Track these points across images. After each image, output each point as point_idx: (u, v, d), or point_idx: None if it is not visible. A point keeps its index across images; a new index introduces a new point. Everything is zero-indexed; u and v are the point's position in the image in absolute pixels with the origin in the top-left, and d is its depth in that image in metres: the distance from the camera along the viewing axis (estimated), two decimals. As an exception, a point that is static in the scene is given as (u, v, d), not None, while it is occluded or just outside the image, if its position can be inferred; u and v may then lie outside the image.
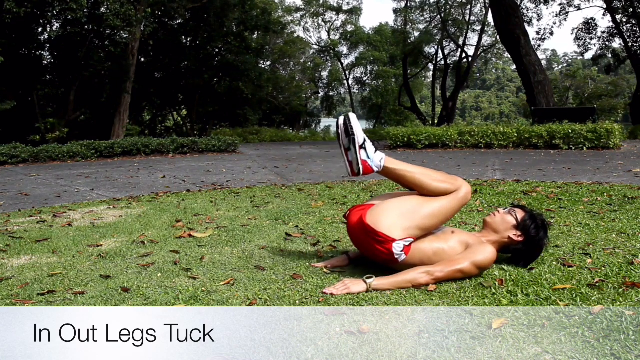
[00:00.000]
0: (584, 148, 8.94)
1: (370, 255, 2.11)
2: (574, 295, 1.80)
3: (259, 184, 5.64)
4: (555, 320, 1.60)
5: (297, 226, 3.21)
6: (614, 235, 2.67)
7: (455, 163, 7.36)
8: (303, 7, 30.09)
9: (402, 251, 2.00)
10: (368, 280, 1.93)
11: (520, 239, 2.15)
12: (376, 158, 2.09)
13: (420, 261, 2.05)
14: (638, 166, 6.25)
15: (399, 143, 10.39)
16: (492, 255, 2.04)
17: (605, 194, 3.99)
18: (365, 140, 2.08)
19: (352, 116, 2.10)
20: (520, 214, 2.19)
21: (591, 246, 2.47)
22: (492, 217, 2.22)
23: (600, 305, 1.70)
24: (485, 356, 1.39)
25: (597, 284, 1.91)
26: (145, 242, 2.87)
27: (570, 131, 9.12)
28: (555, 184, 4.84)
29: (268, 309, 1.78)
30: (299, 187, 5.09)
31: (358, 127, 2.08)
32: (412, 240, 2.02)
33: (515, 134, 9.64)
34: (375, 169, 2.09)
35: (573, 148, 9.03)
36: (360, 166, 2.07)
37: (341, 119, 2.11)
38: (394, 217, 2.01)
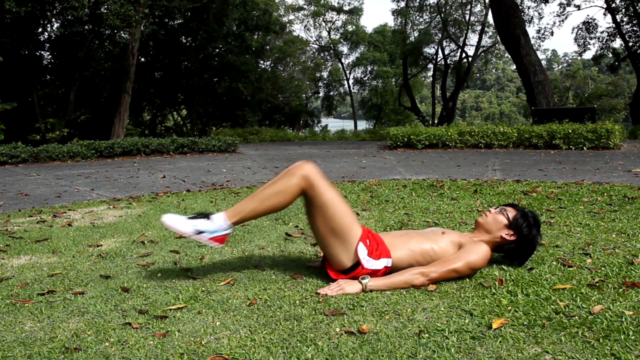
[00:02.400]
0: (584, 148, 8.94)
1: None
2: (574, 295, 1.80)
3: (259, 183, 5.64)
4: (555, 320, 1.60)
5: (297, 226, 3.22)
6: (614, 235, 2.67)
7: (455, 163, 7.36)
8: (305, 6, 30.11)
9: (377, 259, 2.00)
10: (363, 281, 1.93)
11: (512, 238, 2.14)
12: (219, 224, 1.99)
13: (410, 263, 2.04)
14: (638, 166, 6.25)
15: (399, 143, 10.39)
16: (486, 254, 2.04)
17: (605, 194, 3.99)
18: (194, 226, 1.97)
19: (165, 220, 1.99)
20: (511, 213, 2.17)
21: (591, 246, 2.47)
22: (484, 217, 2.20)
23: (600, 305, 1.70)
24: (485, 356, 1.39)
25: (597, 284, 1.91)
26: (145, 242, 2.87)
27: (570, 131, 9.12)
28: (555, 184, 4.84)
29: (268, 309, 1.78)
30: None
31: (177, 223, 1.98)
32: (361, 242, 1.99)
33: (515, 134, 9.64)
34: (228, 232, 2.02)
35: (573, 148, 9.03)
36: (214, 244, 2.01)
37: (164, 224, 2.01)
38: (337, 250, 1.99)
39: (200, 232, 1.98)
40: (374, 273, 2.00)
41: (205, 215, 2.01)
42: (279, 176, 2.04)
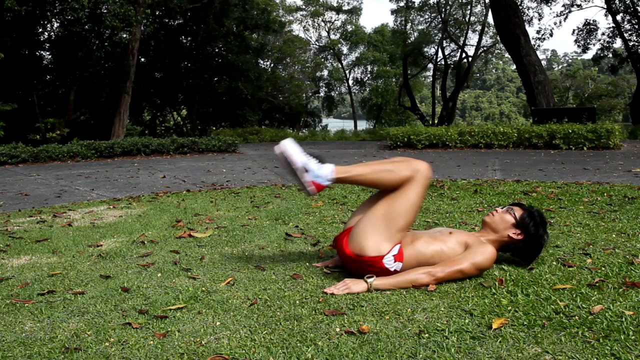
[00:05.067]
0: (584, 148, 8.94)
1: (367, 273, 2.06)
2: (574, 295, 1.80)
3: (259, 184, 5.64)
4: (555, 320, 1.60)
5: (297, 226, 3.22)
6: (614, 235, 2.67)
7: (455, 163, 7.36)
8: (303, 6, 30.10)
9: (394, 262, 2.00)
10: (369, 280, 1.93)
11: (520, 237, 2.15)
12: (324, 173, 2.02)
13: (418, 263, 2.04)
14: (638, 166, 6.25)
15: (398, 143, 10.39)
16: (492, 255, 2.04)
17: (605, 194, 3.99)
18: (305, 163, 2.01)
19: (285, 144, 2.02)
20: (518, 212, 2.18)
21: (591, 246, 2.47)
22: (491, 216, 2.21)
23: (600, 305, 1.70)
24: (485, 356, 1.39)
25: (597, 284, 1.91)
26: (145, 242, 2.87)
27: (570, 131, 9.12)
28: (555, 184, 4.84)
29: (268, 309, 1.78)
30: (299, 187, 5.08)
31: (294, 151, 2.01)
32: (399, 245, 2.02)
33: (515, 134, 9.64)
34: (328, 183, 2.05)
35: (573, 148, 9.03)
36: (311, 187, 2.03)
37: (277, 149, 2.04)
38: (373, 235, 1.99)
39: (307, 171, 2.01)
40: (383, 271, 2.00)
41: (320, 159, 2.06)
42: (396, 159, 2.10)
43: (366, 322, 1.63)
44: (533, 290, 1.88)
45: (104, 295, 1.97)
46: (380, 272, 2.00)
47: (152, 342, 1.54)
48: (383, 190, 2.09)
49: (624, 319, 1.57)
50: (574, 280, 1.97)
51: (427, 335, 1.52)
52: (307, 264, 2.33)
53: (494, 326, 1.56)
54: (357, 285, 1.93)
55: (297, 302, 1.84)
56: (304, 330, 1.58)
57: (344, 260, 2.11)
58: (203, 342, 1.53)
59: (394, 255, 2.00)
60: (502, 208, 2.24)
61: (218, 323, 1.67)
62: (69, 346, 1.52)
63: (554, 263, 2.22)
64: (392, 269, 2.01)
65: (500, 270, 2.13)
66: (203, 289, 2.01)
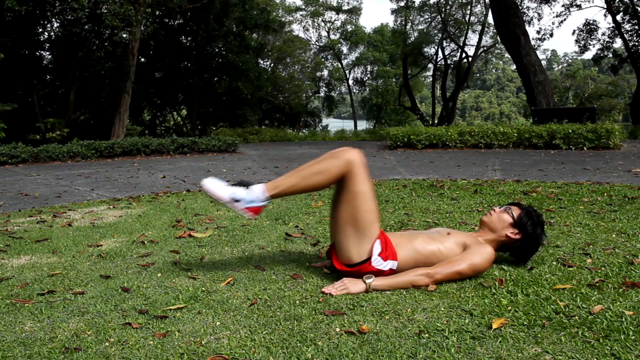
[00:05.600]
0: (584, 148, 8.94)
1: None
2: (574, 295, 1.80)
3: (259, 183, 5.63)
4: (555, 320, 1.60)
5: (297, 226, 3.22)
6: (614, 235, 2.67)
7: (455, 163, 7.36)
8: (303, 6, 30.10)
9: (385, 261, 2.00)
10: (367, 281, 1.93)
11: (517, 236, 2.15)
12: (255, 196, 2.00)
13: (415, 263, 2.04)
14: (638, 166, 6.24)
15: (399, 143, 10.39)
16: (490, 256, 2.04)
17: (605, 194, 3.99)
18: (231, 194, 1.99)
19: (205, 183, 2.01)
20: (516, 212, 2.18)
21: (591, 246, 2.47)
22: (489, 216, 2.21)
23: (600, 305, 1.70)
24: (485, 356, 1.39)
25: (597, 284, 1.91)
26: (145, 242, 2.87)
27: (570, 131, 9.12)
28: (555, 184, 4.84)
29: (268, 309, 1.78)
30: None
31: (217, 188, 2.00)
32: (378, 240, 2.01)
33: (515, 134, 9.63)
34: (265, 203, 2.03)
35: (573, 148, 9.03)
36: (248, 214, 2.01)
37: (203, 188, 2.04)
38: (349, 241, 1.99)
39: (237, 201, 1.99)
40: (378, 273, 2.00)
41: (245, 184, 2.03)
42: (324, 157, 2.05)
43: (366, 322, 1.63)
44: (533, 290, 1.88)
45: (104, 295, 1.97)
46: (376, 274, 2.00)
47: (152, 342, 1.54)
48: (336, 190, 2.07)
49: (624, 319, 1.57)
50: (574, 280, 1.97)
51: (427, 335, 1.52)
52: (307, 264, 2.33)
53: (494, 326, 1.56)
54: (355, 286, 1.93)
55: (297, 302, 1.84)
56: (304, 330, 1.58)
57: (342, 274, 2.10)
58: (203, 342, 1.53)
59: (379, 255, 2.00)
60: (499, 207, 2.24)
61: (218, 323, 1.67)
62: (69, 346, 1.52)
63: (554, 263, 2.22)
64: (386, 269, 2.01)
65: (500, 270, 2.13)
66: (203, 289, 2.01)
